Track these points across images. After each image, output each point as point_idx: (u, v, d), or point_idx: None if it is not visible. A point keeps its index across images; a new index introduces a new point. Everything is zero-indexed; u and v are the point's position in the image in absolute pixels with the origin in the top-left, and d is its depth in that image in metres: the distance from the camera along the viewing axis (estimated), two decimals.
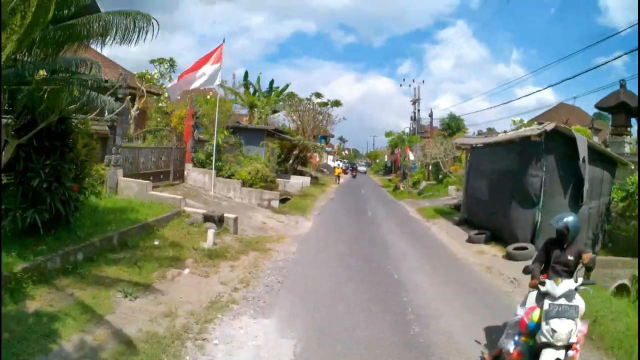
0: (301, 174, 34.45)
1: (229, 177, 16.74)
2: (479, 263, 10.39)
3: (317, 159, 48.29)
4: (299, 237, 11.46)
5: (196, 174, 16.61)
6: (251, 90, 34.66)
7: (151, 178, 13.64)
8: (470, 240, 13.18)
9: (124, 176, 11.82)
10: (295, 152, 28.37)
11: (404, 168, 38.47)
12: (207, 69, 9.06)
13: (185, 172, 16.81)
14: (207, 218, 9.93)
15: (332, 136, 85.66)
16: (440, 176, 32.10)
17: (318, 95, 27.00)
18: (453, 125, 35.33)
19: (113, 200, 9.71)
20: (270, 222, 13.08)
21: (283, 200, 21.12)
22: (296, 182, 22.50)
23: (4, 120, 5.03)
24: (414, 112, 47.31)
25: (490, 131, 30.33)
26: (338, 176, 37.08)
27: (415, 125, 45.47)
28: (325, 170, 48.42)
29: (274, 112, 34.46)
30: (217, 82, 9.16)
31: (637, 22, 13.64)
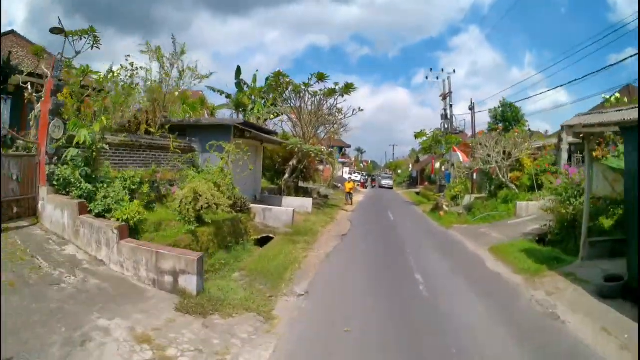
0: (306, 192, 25.81)
1: (101, 215, 8.21)
2: None
3: (330, 171, 39.47)
4: None
5: (53, 207, 8.22)
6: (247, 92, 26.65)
7: None
8: None
9: None
10: (293, 162, 19.84)
11: (440, 179, 29.52)
12: None
13: (40, 204, 8.48)
14: None
15: (349, 146, 77.23)
16: (492, 187, 23.05)
17: (321, 77, 18.46)
18: (509, 116, 26.22)
19: None
20: None
21: (263, 241, 12.59)
22: (286, 210, 13.82)
23: None
24: (445, 109, 38.46)
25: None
26: (350, 193, 26.85)
27: (448, 124, 36.44)
28: (340, 185, 39.55)
29: (276, 116, 26.21)
30: None
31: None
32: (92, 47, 11.84)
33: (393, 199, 35.53)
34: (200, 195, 9.95)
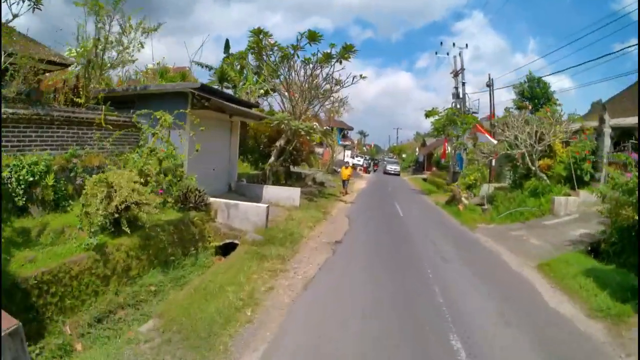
0: (299, 178, 22.47)
1: None
2: None
3: (330, 154, 36.01)
4: None
5: None
6: (237, 66, 23.01)
7: None
8: None
9: None
10: (280, 142, 16.40)
11: (453, 165, 26.04)
12: None
13: None
14: None
15: (351, 128, 73.30)
16: (517, 176, 19.58)
17: (313, 37, 14.73)
18: (538, 93, 22.26)
19: None
20: None
21: (228, 249, 9.32)
22: (257, 207, 10.27)
23: None
24: (456, 87, 34.82)
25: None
26: (347, 181, 21.88)
27: (460, 103, 32.71)
28: (340, 170, 36.07)
29: (266, 92, 22.76)
30: None
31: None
32: (33, 9, 8.43)
33: (399, 186, 32.09)
34: (116, 191, 6.61)
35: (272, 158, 16.29)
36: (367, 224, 13.35)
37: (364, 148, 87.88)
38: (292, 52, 15.05)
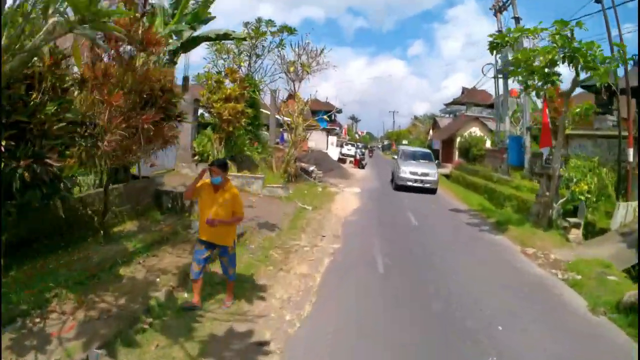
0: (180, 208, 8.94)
1: None
2: None
3: (293, 138, 21.47)
4: None
5: None
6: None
7: None
8: None
9: None
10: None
11: (554, 162, 12.07)
12: None
13: None
14: None
15: (339, 111, 59.47)
16: None
17: None
18: None
19: None
20: None
21: None
22: None
23: None
24: (500, 30, 21.77)
25: None
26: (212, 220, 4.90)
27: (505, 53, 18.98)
28: (312, 169, 21.98)
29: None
30: None
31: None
32: None
33: (426, 201, 18.06)
34: None
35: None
36: None
37: (356, 135, 74.23)
38: None
